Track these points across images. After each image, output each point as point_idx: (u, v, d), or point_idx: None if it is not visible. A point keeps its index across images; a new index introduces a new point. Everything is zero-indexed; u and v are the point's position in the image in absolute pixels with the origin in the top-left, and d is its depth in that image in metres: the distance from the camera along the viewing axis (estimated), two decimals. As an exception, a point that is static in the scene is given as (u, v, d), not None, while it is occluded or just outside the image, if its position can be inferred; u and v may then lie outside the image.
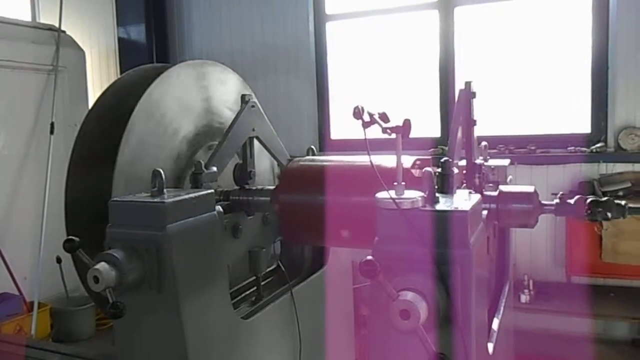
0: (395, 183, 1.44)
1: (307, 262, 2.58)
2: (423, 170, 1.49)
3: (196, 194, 1.75)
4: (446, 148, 1.94)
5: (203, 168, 1.95)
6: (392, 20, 5.32)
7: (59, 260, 4.43)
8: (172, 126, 2.10)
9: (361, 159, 2.03)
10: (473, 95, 2.01)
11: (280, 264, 2.45)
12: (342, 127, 5.52)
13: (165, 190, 1.70)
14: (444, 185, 1.57)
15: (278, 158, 2.36)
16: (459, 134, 1.94)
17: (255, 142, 2.26)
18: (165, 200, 1.63)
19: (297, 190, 2.10)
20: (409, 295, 1.26)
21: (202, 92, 2.28)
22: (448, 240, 1.34)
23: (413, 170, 1.87)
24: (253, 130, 2.23)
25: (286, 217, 2.13)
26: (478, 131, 2.05)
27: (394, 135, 1.48)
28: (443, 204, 1.41)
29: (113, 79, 2.25)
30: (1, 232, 4.71)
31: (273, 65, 5.60)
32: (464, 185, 1.91)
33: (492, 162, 2.19)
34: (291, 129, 4.97)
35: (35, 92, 5.06)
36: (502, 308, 2.09)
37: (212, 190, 1.84)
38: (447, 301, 1.32)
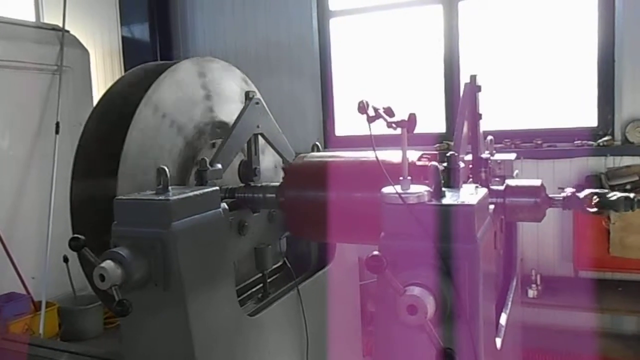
0: (401, 178, 1.43)
1: (313, 258, 2.58)
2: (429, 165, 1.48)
3: (201, 191, 1.74)
4: (452, 143, 1.93)
5: (208, 165, 1.94)
6: (396, 16, 5.30)
7: (66, 260, 4.44)
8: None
9: (366, 155, 2.02)
10: (478, 89, 2.00)
11: (287, 261, 2.44)
12: (346, 123, 5.50)
13: (170, 187, 1.70)
14: (450, 179, 1.56)
15: (283, 155, 2.36)
16: (465, 129, 1.93)
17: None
18: (170, 198, 1.63)
19: (302, 186, 2.10)
20: (416, 290, 1.25)
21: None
22: (455, 234, 1.33)
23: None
24: (257, 127, 2.22)
25: (292, 214, 2.12)
26: (484, 125, 2.04)
27: (399, 130, 1.47)
28: (449, 199, 1.40)
29: (117, 78, 2.25)
30: (8, 232, 4.73)
31: (277, 62, 5.59)
32: (470, 179, 1.90)
33: (498, 157, 2.17)
34: (295, 125, 4.95)
35: (40, 92, 5.07)
36: (509, 303, 2.08)
37: (217, 188, 1.84)
38: (454, 296, 1.31)
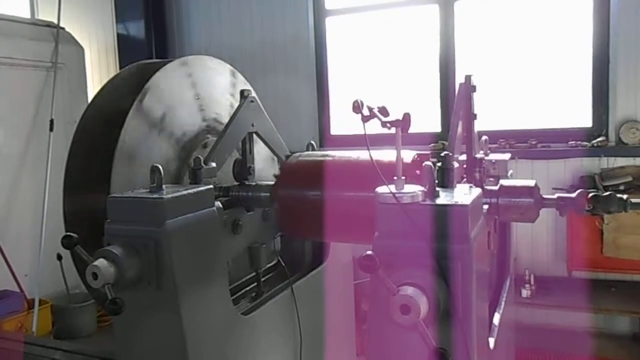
0: (395, 177, 1.43)
1: (307, 257, 2.58)
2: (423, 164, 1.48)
3: (195, 190, 1.74)
4: (447, 143, 1.93)
5: (202, 164, 1.94)
6: (393, 15, 5.30)
7: (59, 258, 4.41)
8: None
9: (361, 154, 2.02)
10: (473, 89, 2.00)
11: (281, 260, 2.44)
12: (342, 122, 5.50)
13: (164, 186, 1.70)
14: (445, 179, 1.56)
15: (277, 153, 2.35)
16: (460, 128, 1.93)
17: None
18: (164, 196, 1.62)
19: (296, 185, 2.09)
20: (409, 290, 1.25)
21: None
22: (448, 234, 1.33)
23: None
24: (252, 125, 2.22)
25: (286, 213, 2.12)
26: (478, 125, 2.04)
27: (393, 130, 1.47)
28: (443, 198, 1.40)
29: (112, 75, 2.26)
30: (1, 229, 4.71)
31: (272, 60, 5.58)
32: (465, 179, 1.90)
33: (493, 157, 2.17)
34: (291, 124, 4.95)
35: (34, 89, 5.05)
36: (503, 303, 2.08)
37: (211, 186, 1.83)
38: (447, 296, 1.31)
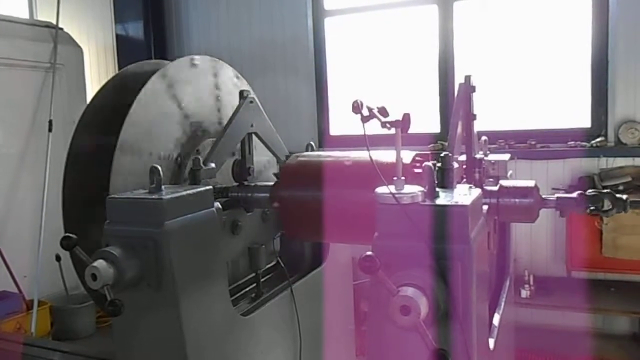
0: (395, 178, 1.43)
1: (307, 258, 2.58)
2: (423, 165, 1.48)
3: (194, 191, 1.74)
4: (446, 143, 1.93)
5: (201, 164, 1.94)
6: (392, 15, 5.30)
7: (58, 259, 4.41)
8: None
9: (361, 154, 2.01)
10: (473, 89, 2.00)
11: (280, 261, 2.44)
12: (341, 123, 5.50)
13: (163, 186, 1.69)
14: (444, 179, 1.56)
15: (277, 154, 2.35)
16: (459, 129, 1.93)
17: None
18: (163, 197, 1.62)
19: (296, 186, 2.09)
20: (409, 291, 1.25)
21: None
22: (448, 235, 1.32)
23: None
24: (252, 126, 2.22)
25: (286, 214, 2.12)
26: (478, 126, 2.04)
27: (393, 130, 1.47)
28: (443, 199, 1.40)
29: (111, 76, 2.25)
30: (0, 230, 4.70)
31: (272, 61, 5.58)
32: (464, 180, 1.90)
33: (492, 157, 2.17)
34: (290, 125, 4.94)
35: (33, 90, 5.04)
36: (502, 303, 2.08)
37: (211, 187, 1.83)
38: (447, 297, 1.31)
